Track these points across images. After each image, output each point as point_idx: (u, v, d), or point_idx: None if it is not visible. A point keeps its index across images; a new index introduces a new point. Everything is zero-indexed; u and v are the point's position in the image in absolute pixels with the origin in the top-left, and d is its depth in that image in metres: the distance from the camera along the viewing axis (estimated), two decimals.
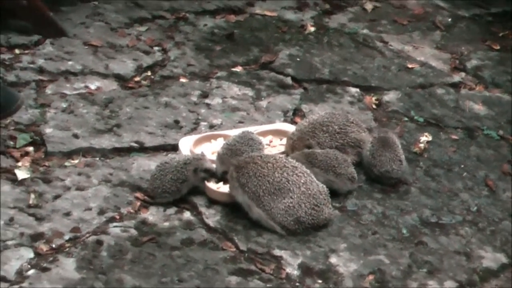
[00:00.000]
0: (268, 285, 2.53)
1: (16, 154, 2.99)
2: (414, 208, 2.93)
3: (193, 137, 3.11)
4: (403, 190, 3.02)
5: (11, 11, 3.72)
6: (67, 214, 2.75)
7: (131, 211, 2.80)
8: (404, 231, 2.82)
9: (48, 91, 3.39)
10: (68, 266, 2.52)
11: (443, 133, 3.38)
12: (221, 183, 2.90)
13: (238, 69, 3.71)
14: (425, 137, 3.31)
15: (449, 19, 4.32)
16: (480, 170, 3.17)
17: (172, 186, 2.81)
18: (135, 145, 3.13)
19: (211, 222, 2.78)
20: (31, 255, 2.55)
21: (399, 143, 3.07)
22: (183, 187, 2.84)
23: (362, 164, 3.06)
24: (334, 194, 2.88)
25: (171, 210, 2.82)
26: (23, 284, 2.44)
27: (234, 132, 3.07)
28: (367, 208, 2.91)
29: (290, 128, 3.19)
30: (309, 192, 2.75)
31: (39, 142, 3.07)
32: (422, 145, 3.26)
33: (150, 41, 3.85)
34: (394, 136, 3.09)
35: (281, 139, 3.17)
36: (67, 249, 2.59)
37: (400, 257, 2.69)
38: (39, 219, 2.71)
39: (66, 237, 2.65)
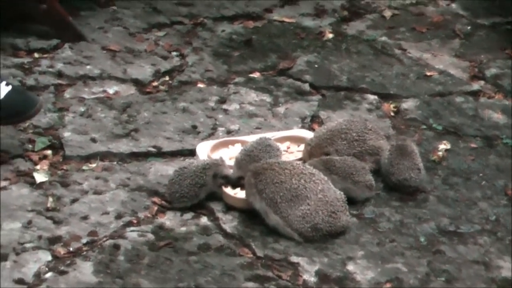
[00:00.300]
0: None
1: (35, 157, 3.01)
2: (432, 216, 2.92)
3: (211, 143, 3.12)
4: (421, 198, 3.01)
5: (30, 15, 3.74)
6: (85, 217, 2.76)
7: (148, 215, 2.81)
8: (422, 239, 2.81)
9: (67, 95, 3.41)
10: (85, 270, 2.53)
11: (461, 141, 3.36)
12: (238, 189, 2.90)
13: (256, 75, 3.71)
14: (444, 145, 3.29)
15: (469, 27, 4.30)
16: (499, 179, 3.15)
17: (190, 191, 2.81)
18: (152, 149, 3.14)
19: (228, 227, 2.78)
20: (49, 258, 2.56)
21: (417, 151, 3.06)
22: (201, 192, 2.84)
23: (380, 171, 3.06)
24: (352, 201, 2.87)
25: (188, 215, 2.82)
26: (41, 287, 2.45)
27: (251, 138, 3.07)
28: (385, 216, 2.90)
29: (308, 134, 3.19)
30: (326, 199, 2.74)
31: (57, 145, 3.09)
32: (440, 153, 3.25)
33: (168, 46, 3.86)
34: (413, 144, 3.09)
35: (298, 146, 3.17)
36: (84, 253, 2.61)
37: (417, 266, 2.68)
38: (57, 222, 2.72)
39: (84, 240, 2.65)
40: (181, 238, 2.71)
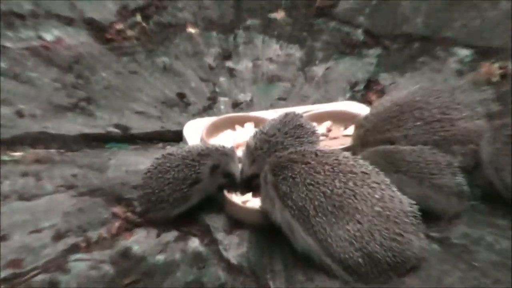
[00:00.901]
0: None
1: None
2: None
3: (206, 121, 3.10)
4: None
5: None
6: (3, 238, 2.69)
7: (105, 235, 2.73)
8: None
9: None
10: None
11: None
12: (249, 195, 2.82)
13: (280, 15, 3.71)
14: None
15: None
16: None
17: (175, 192, 2.73)
18: (115, 130, 3.14)
19: (232, 256, 2.68)
20: None
21: None
22: (192, 193, 2.77)
23: (477, 171, 2.95)
24: (431, 217, 2.76)
25: (169, 236, 2.75)
26: None
27: (271, 115, 3.04)
28: (485, 241, 2.78)
29: (361, 110, 3.16)
30: (388, 213, 2.64)
31: None
32: None
33: None
34: None
35: (345, 128, 3.16)
36: None
37: None
38: None
39: (0, 274, 2.56)
40: (158, 272, 2.60)
